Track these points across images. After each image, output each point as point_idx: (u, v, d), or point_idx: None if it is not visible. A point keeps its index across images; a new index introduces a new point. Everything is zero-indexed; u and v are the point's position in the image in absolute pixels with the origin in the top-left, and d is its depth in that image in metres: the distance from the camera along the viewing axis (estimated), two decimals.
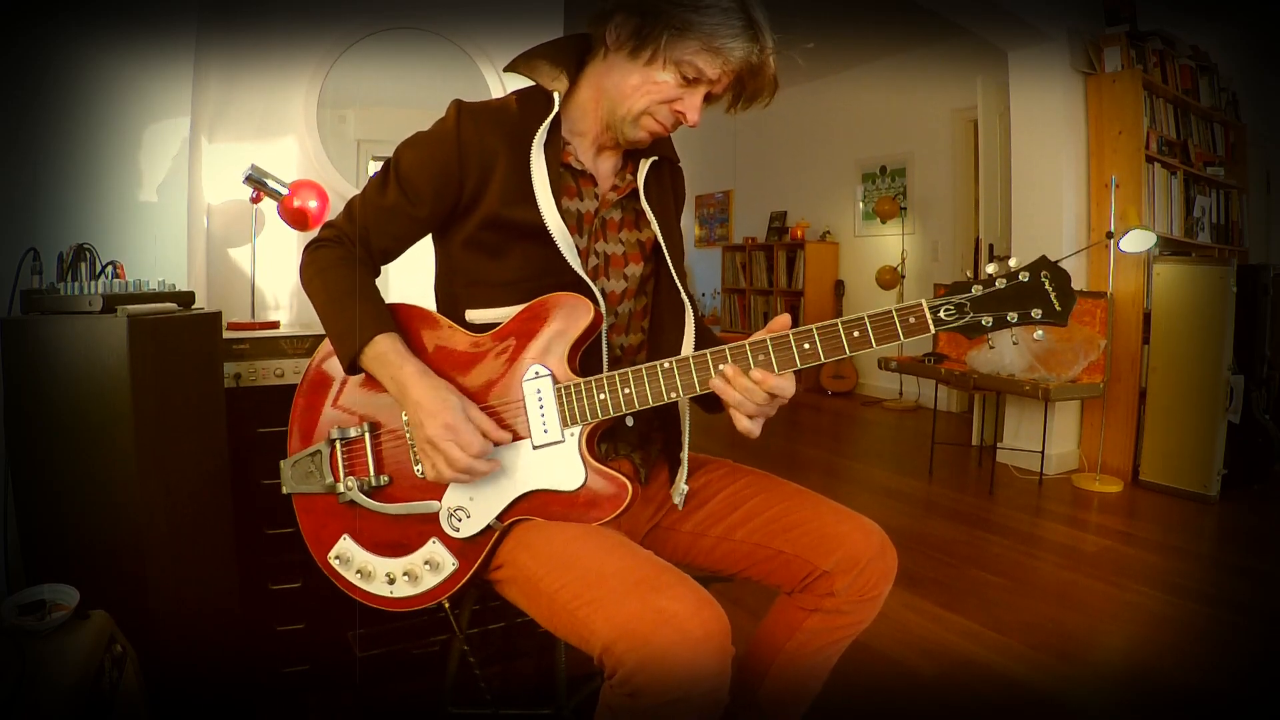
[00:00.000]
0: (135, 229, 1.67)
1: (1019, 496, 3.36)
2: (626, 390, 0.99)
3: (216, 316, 1.50)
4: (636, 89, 1.05)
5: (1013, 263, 0.90)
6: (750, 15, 1.02)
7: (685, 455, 1.14)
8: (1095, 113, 3.68)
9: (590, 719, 0.92)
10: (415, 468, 1.05)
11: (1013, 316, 0.89)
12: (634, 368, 1.00)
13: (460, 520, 1.03)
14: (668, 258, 1.16)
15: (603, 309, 1.06)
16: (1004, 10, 3.45)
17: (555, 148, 1.09)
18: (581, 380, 1.01)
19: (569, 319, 1.03)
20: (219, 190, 2.03)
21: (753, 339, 0.97)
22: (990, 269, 0.90)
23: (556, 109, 1.08)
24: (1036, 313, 0.89)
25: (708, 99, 1.08)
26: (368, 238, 1.09)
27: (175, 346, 1.32)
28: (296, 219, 1.95)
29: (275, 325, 1.84)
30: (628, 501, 1.00)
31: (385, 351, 1.02)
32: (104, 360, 1.16)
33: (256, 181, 1.88)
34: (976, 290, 0.90)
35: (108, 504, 1.18)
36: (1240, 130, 4.32)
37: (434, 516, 1.04)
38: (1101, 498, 3.33)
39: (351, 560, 1.07)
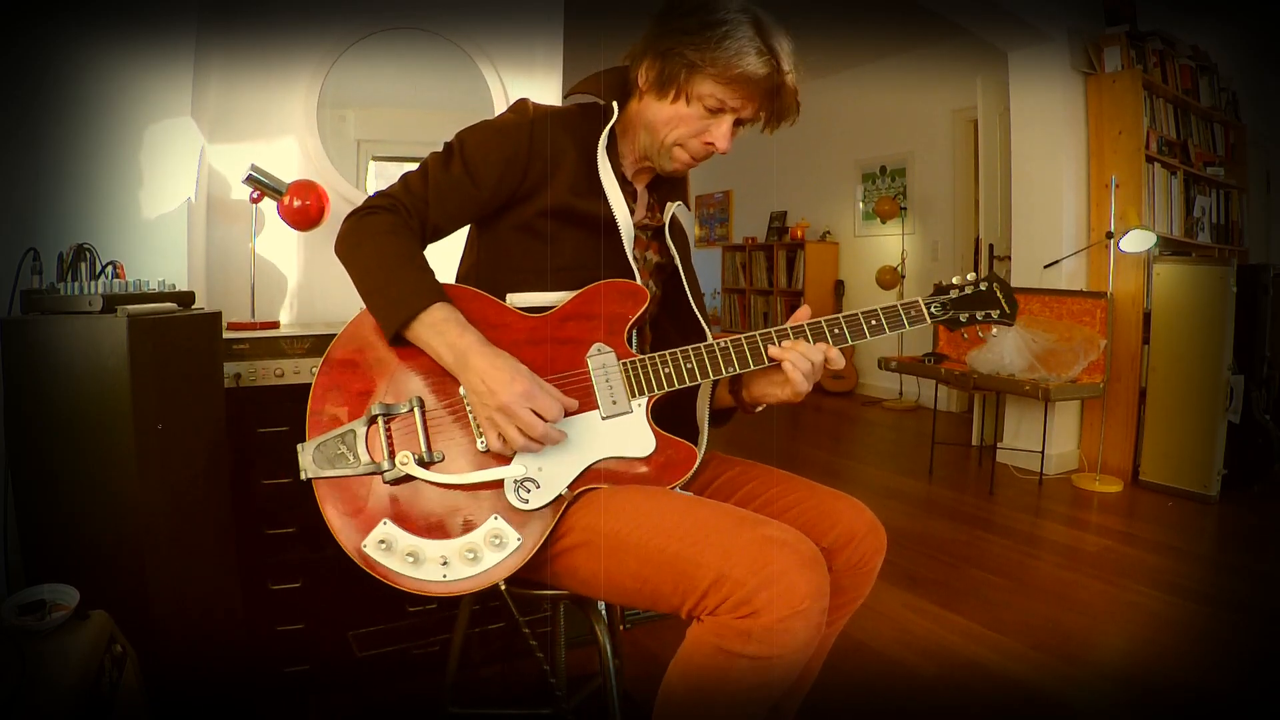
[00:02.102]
0: (135, 229, 1.67)
1: (1019, 496, 3.36)
2: (689, 365, 1.08)
3: (216, 316, 1.49)
4: (667, 123, 1.14)
5: (970, 276, 1.14)
6: (766, 42, 1.08)
7: (702, 446, 1.18)
8: (1095, 113, 3.68)
9: (590, 718, 0.92)
10: (478, 442, 1.03)
11: (981, 315, 1.13)
12: (692, 346, 1.09)
13: (529, 491, 1.02)
14: (688, 289, 1.25)
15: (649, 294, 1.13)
16: (1004, 10, 3.45)
17: (614, 154, 1.18)
18: (645, 356, 1.09)
19: (624, 302, 1.11)
20: (219, 190, 2.03)
21: (791, 324, 1.10)
22: (956, 279, 1.14)
23: (615, 116, 1.15)
24: (995, 313, 1.13)
25: (739, 124, 1.15)
26: (425, 211, 1.09)
27: (175, 346, 1.32)
28: (296, 219, 1.95)
29: (275, 325, 1.84)
30: (696, 464, 1.09)
31: (444, 319, 1.01)
32: (104, 360, 1.16)
33: (256, 181, 1.88)
34: (954, 293, 1.13)
35: (108, 504, 1.18)
36: (1240, 130, 4.32)
37: (493, 491, 1.03)
38: (1101, 498, 3.33)
39: (395, 545, 1.00)
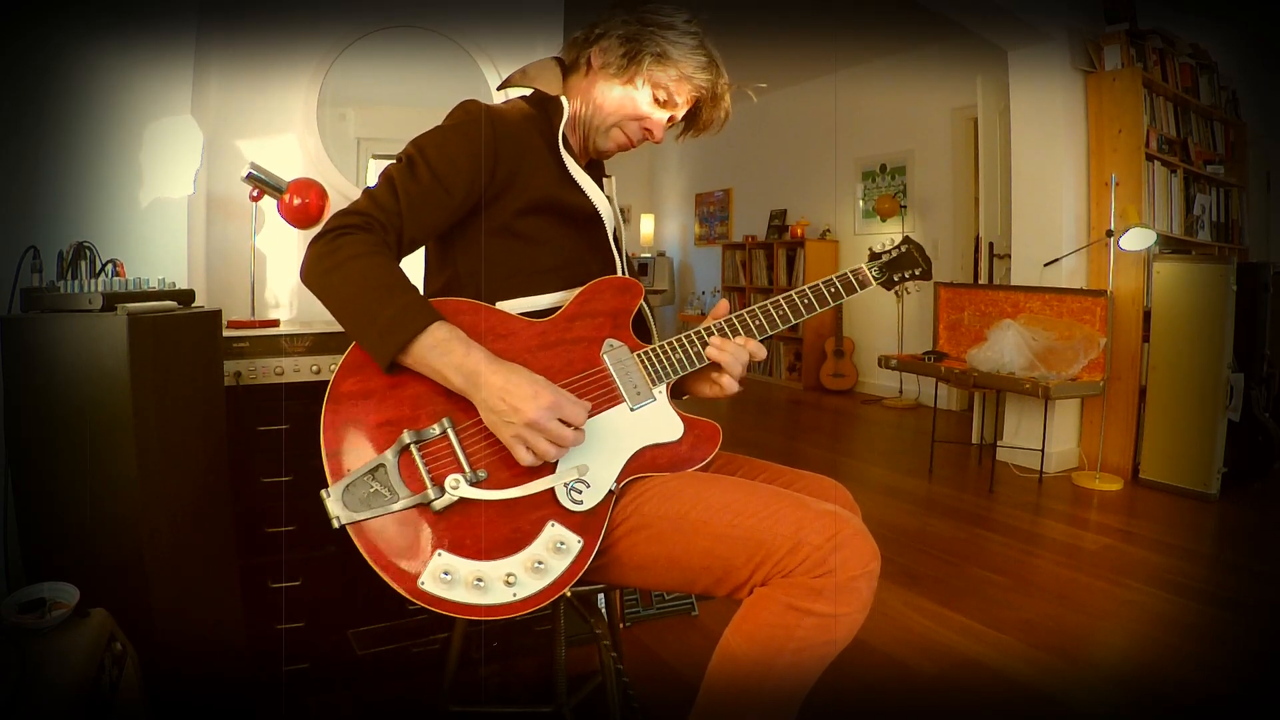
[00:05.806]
0: (135, 227, 1.67)
1: (1019, 494, 3.36)
2: (695, 348, 1.13)
3: (216, 315, 1.49)
4: (615, 102, 1.19)
5: (892, 239, 1.29)
6: (710, 52, 1.19)
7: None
8: (1095, 111, 3.68)
9: (591, 717, 0.92)
10: (525, 454, 0.98)
11: (907, 274, 1.27)
12: (695, 330, 1.15)
13: (581, 492, 1.02)
14: (631, 263, 1.31)
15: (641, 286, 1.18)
16: (1004, 9, 3.45)
17: (569, 146, 1.20)
18: (656, 345, 1.13)
19: (621, 296, 1.14)
20: (219, 188, 2.02)
21: (733, 315, 1.16)
22: (876, 248, 1.28)
23: (567, 110, 1.19)
24: (917, 271, 1.27)
25: (669, 121, 1.24)
26: (400, 225, 1.05)
27: (175, 345, 1.31)
28: (296, 217, 1.95)
29: (275, 324, 1.84)
30: (722, 437, 1.13)
31: (447, 339, 0.97)
32: (104, 359, 1.16)
33: (256, 179, 1.88)
34: (885, 258, 1.26)
35: (107, 502, 1.18)
36: (1240, 128, 4.32)
37: (545, 500, 1.00)
38: (1101, 496, 3.33)
39: (457, 575, 0.94)
